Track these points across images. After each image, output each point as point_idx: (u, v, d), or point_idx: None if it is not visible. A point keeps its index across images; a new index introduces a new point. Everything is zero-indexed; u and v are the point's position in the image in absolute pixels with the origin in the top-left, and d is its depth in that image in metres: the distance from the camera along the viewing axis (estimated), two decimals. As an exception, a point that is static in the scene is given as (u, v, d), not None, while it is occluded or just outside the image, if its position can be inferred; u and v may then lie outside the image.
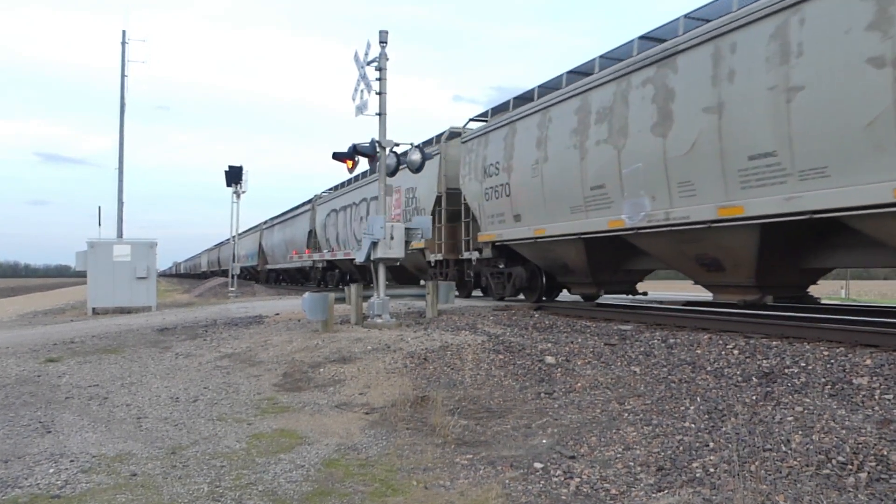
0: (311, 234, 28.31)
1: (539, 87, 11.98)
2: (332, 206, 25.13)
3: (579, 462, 4.35)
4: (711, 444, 4.35)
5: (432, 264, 15.88)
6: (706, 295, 10.36)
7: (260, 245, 40.21)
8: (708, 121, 8.04)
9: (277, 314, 12.99)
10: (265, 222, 40.00)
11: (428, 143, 16.56)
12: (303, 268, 30.18)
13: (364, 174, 21.39)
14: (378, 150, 10.77)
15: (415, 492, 3.98)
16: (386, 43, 10.73)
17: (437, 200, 15.36)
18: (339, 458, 4.68)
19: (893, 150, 6.11)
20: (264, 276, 40.97)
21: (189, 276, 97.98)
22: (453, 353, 7.72)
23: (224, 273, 51.81)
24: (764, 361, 6.05)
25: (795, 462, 3.91)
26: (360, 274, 21.91)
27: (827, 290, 31.04)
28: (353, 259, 18.12)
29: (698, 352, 6.79)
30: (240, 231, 48.25)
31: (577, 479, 4.05)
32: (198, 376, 7.69)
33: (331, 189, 26.66)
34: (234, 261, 30.05)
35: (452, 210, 15.20)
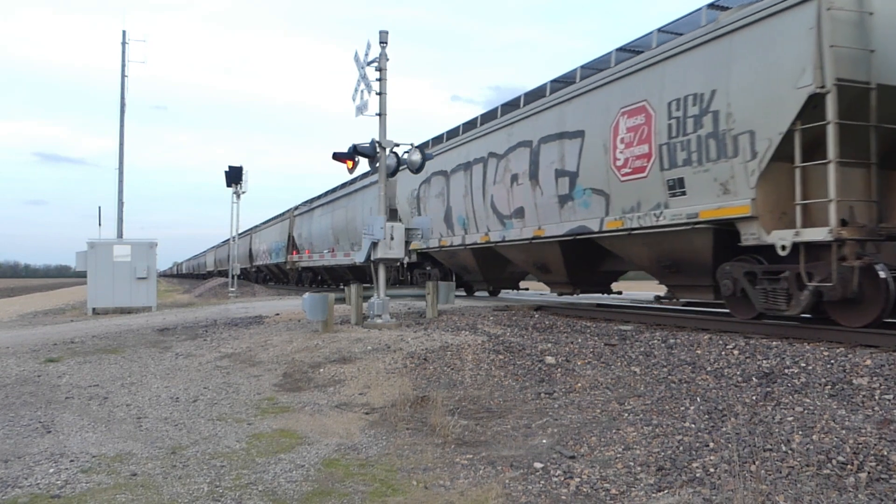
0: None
1: None
2: (426, 169, 16.50)
3: (579, 462, 4.35)
4: (711, 444, 4.35)
5: (783, 249, 7.20)
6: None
7: (290, 237, 31.15)
8: None
9: (277, 314, 12.99)
10: (297, 207, 31.23)
11: None
12: (363, 265, 23.94)
13: (493, 113, 13.50)
14: (378, 150, 10.78)
15: (415, 492, 3.98)
16: (386, 43, 10.74)
17: (806, 108, 6.91)
18: (339, 458, 4.68)
19: None
20: (295, 275, 31.95)
21: (192, 276, 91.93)
22: (453, 354, 7.72)
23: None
24: (764, 362, 6.05)
25: (795, 462, 3.91)
26: (485, 273, 15.09)
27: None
28: (477, 245, 13.64)
29: (698, 352, 6.79)
30: (257, 224, 41.20)
31: (577, 479, 4.05)
32: (198, 376, 7.69)
33: (418, 147, 18.47)
34: (233, 261, 29.96)
35: (853, 135, 6.83)
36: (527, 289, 16.56)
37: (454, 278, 16.31)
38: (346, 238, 22.78)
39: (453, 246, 15.03)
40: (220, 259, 55.40)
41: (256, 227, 41.60)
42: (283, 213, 33.71)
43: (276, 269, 34.68)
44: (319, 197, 27.55)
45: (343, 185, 24.13)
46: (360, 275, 22.45)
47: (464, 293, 17.04)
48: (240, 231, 37.38)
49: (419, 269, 18.08)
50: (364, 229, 10.87)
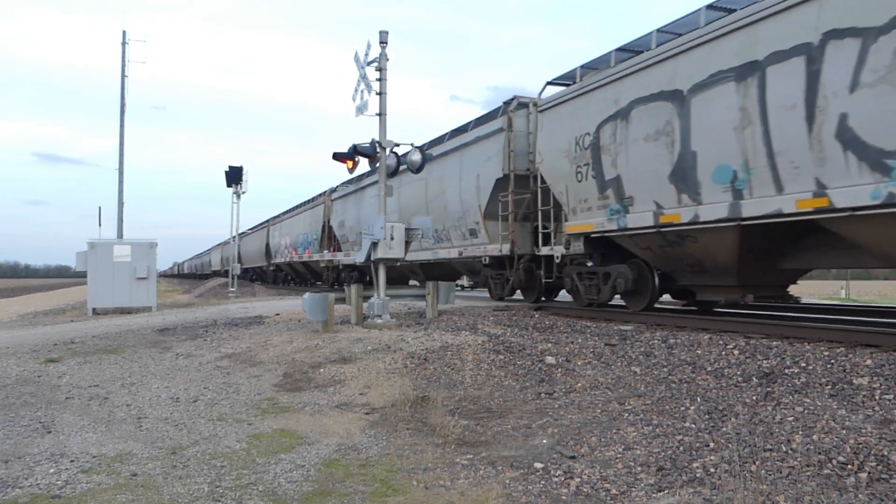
0: (505, 184, 12.77)
1: None
2: (615, 98, 9.40)
3: (579, 462, 4.35)
4: (712, 445, 4.35)
5: None
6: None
7: (326, 227, 24.79)
8: None
9: (278, 314, 12.99)
10: (335, 189, 24.68)
11: None
12: (462, 263, 15.20)
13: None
14: (378, 150, 10.78)
15: (415, 492, 3.98)
16: (386, 43, 10.74)
17: None
18: (339, 458, 4.68)
19: None
20: (332, 275, 24.71)
21: (194, 276, 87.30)
22: (453, 354, 7.72)
23: (248, 271, 39.97)
24: (764, 361, 6.05)
25: (796, 462, 3.91)
26: (744, 271, 8.21)
27: (828, 291, 31.06)
28: (772, 216, 6.67)
29: (698, 352, 6.79)
30: (277, 215, 34.82)
31: (578, 480, 4.05)
32: (198, 376, 7.69)
33: (614, 60, 9.69)
34: (234, 261, 29.93)
35: None
36: (798, 299, 9.52)
37: (655, 280, 9.61)
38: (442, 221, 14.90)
39: (697, 223, 8.12)
40: (227, 258, 45.43)
41: (277, 217, 34.41)
42: (315, 198, 26.88)
43: (304, 267, 27.34)
44: (371, 173, 17.61)
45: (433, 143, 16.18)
46: (431, 274, 16.93)
47: (622, 303, 10.36)
48: (241, 230, 34.76)
49: (580, 266, 10.96)
50: (365, 228, 10.86)
